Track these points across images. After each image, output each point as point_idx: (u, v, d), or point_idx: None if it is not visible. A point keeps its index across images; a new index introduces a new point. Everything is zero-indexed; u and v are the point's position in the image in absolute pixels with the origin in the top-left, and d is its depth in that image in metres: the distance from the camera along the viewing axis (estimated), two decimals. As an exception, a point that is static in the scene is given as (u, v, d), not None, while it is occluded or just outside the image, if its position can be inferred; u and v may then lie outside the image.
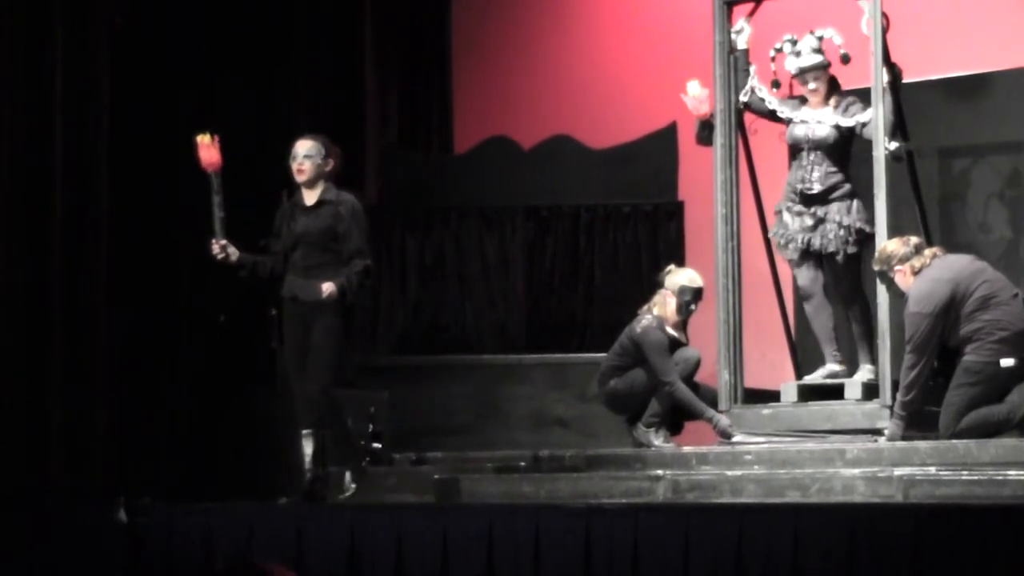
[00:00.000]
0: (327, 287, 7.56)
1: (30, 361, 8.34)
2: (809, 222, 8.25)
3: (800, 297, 8.48)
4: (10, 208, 8.34)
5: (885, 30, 8.09)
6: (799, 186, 8.29)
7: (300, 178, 7.73)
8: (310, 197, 7.73)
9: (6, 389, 8.23)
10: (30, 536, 7.47)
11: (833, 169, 8.22)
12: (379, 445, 8.73)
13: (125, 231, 8.85)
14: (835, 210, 8.18)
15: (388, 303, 10.57)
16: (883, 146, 7.99)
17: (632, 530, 6.29)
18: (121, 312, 8.84)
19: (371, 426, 8.76)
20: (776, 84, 8.35)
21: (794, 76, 8.29)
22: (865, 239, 8.14)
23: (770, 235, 8.45)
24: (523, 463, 8.33)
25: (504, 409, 9.93)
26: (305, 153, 7.72)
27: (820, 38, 8.23)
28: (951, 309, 7.59)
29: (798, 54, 8.24)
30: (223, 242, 7.65)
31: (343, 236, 7.63)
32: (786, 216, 8.34)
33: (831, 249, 8.19)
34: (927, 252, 7.78)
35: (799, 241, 8.28)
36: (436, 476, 8.02)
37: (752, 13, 8.51)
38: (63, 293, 8.48)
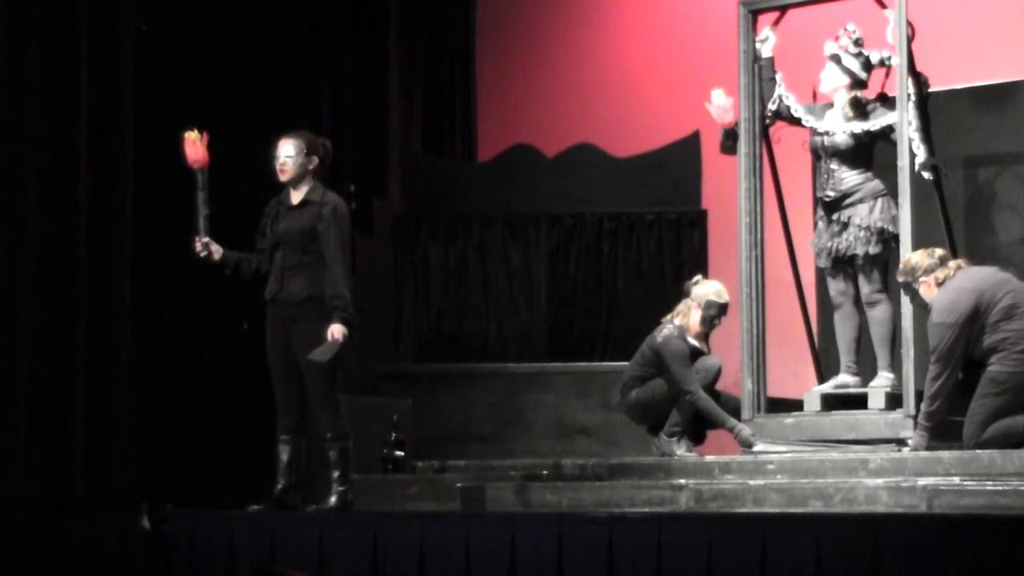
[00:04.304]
0: (336, 332, 7.40)
1: (54, 370, 8.36)
2: (836, 229, 8.27)
3: (832, 306, 8.46)
4: (36, 220, 8.35)
5: (910, 39, 8.08)
6: (819, 194, 8.32)
7: (283, 178, 7.63)
8: (295, 196, 7.66)
9: (31, 399, 8.25)
10: (55, 544, 7.49)
11: (849, 173, 8.22)
12: (402, 453, 8.75)
13: (149, 240, 8.87)
14: (857, 213, 8.19)
15: (411, 311, 10.57)
16: (907, 155, 7.99)
17: (655, 539, 6.27)
18: (143, 320, 8.84)
19: (394, 434, 8.78)
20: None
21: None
22: (889, 239, 8.12)
23: (810, 246, 8.45)
24: (546, 471, 8.33)
25: (527, 417, 9.93)
26: (286, 153, 7.60)
27: (857, 41, 8.24)
28: (975, 319, 7.57)
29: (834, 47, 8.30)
30: (205, 240, 7.57)
31: (322, 236, 7.53)
32: (820, 225, 8.35)
33: (854, 251, 8.19)
34: (951, 264, 7.77)
35: (830, 250, 8.27)
36: (460, 484, 8.02)
37: (777, 22, 8.51)
38: (87, 304, 8.49)
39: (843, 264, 8.29)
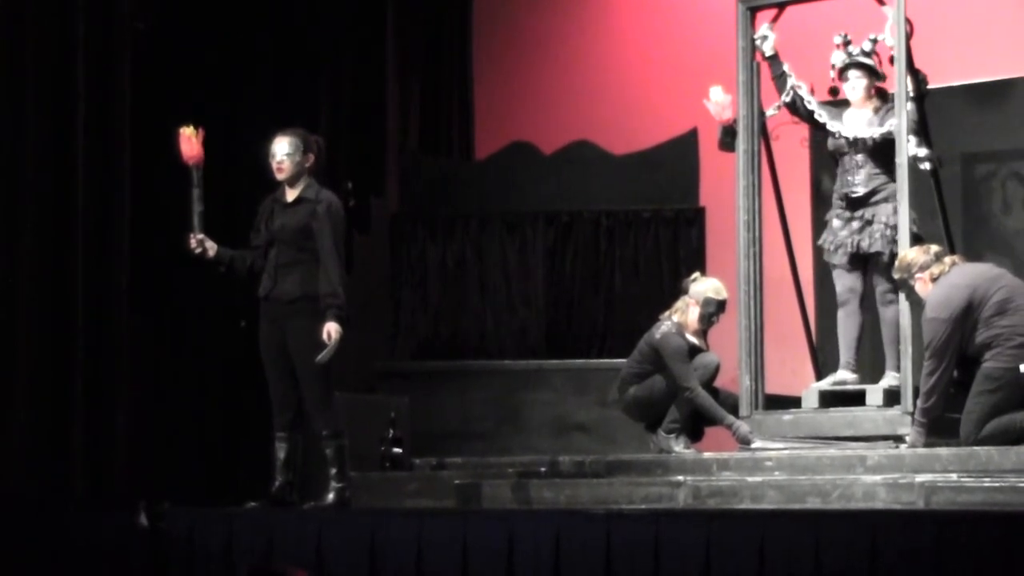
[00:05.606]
0: (332, 330, 7.40)
1: (54, 370, 8.36)
2: (856, 225, 8.24)
3: (837, 303, 8.44)
4: (34, 218, 8.35)
5: (909, 36, 8.08)
6: (844, 190, 8.29)
7: (280, 176, 7.64)
8: (291, 194, 7.66)
9: (30, 397, 8.25)
10: (55, 544, 7.49)
11: (877, 171, 8.21)
12: (399, 450, 8.75)
13: (146, 238, 8.87)
14: (882, 211, 8.17)
15: (408, 308, 10.58)
16: (905, 153, 8.00)
17: (652, 536, 6.28)
18: (142, 319, 8.85)
19: (391, 431, 8.78)
20: (834, 91, 8.32)
21: (840, 71, 8.29)
22: (912, 240, 8.09)
23: (819, 243, 8.45)
24: (543, 469, 8.33)
25: (525, 415, 9.94)
26: (283, 151, 7.61)
27: (874, 41, 8.23)
28: (969, 314, 7.58)
29: (848, 52, 8.25)
30: (200, 236, 7.59)
31: (316, 234, 7.54)
32: (835, 223, 8.33)
33: (876, 248, 8.16)
34: (947, 260, 7.78)
35: (848, 246, 8.25)
36: (457, 481, 8.03)
37: (776, 19, 8.50)
38: (85, 301, 8.49)
39: (859, 261, 8.27)
